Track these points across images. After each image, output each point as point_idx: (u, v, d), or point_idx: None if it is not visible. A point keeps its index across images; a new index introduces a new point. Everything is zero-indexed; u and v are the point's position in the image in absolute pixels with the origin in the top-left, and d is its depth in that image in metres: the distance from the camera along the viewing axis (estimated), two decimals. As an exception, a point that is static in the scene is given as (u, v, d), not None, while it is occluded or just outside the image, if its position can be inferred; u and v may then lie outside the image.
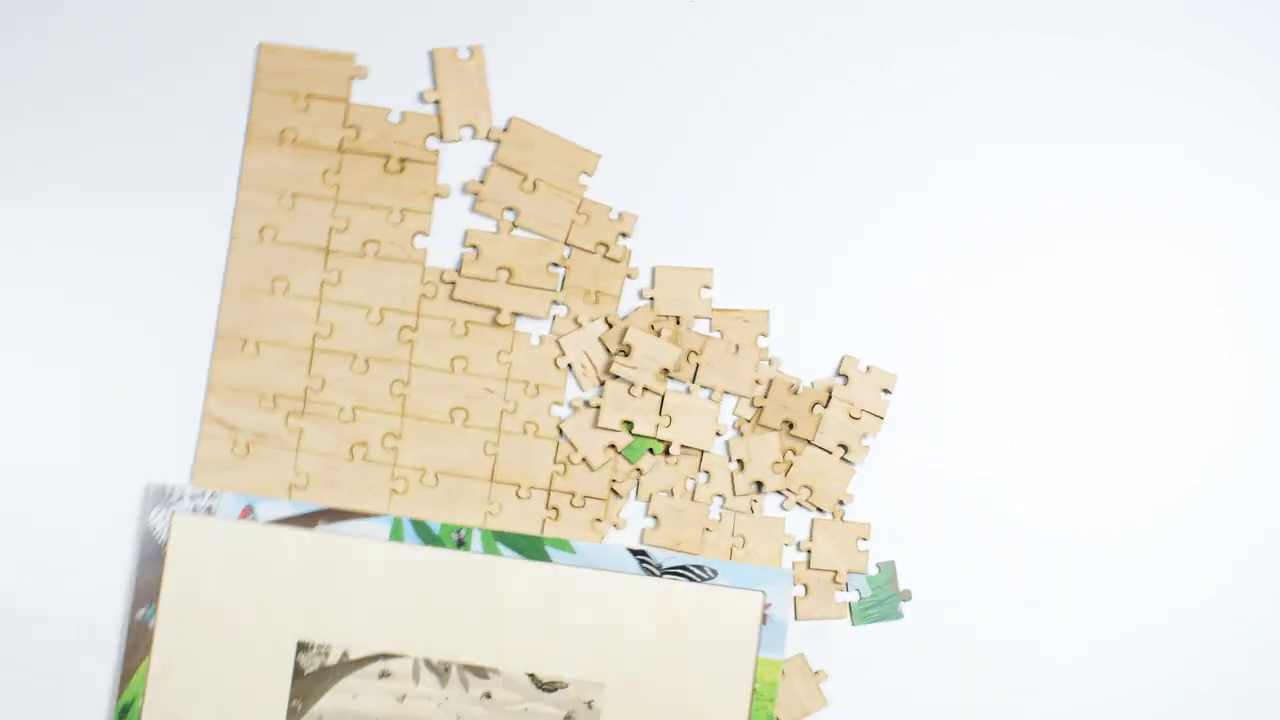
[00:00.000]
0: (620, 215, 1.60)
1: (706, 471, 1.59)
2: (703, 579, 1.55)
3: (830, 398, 1.59)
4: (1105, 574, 1.59)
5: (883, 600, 1.58)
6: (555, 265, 1.60)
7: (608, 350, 1.59)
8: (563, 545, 1.55)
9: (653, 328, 1.59)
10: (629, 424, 1.58)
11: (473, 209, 1.60)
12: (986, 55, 1.61)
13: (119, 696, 1.55)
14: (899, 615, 1.57)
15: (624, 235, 1.60)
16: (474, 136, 1.61)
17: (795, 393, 1.59)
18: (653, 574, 1.55)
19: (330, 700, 1.55)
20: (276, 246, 1.60)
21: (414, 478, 1.59)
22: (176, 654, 1.55)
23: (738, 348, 1.59)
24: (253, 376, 1.59)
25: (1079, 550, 1.59)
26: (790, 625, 1.56)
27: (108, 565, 1.58)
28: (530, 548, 1.55)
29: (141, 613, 1.56)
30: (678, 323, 1.59)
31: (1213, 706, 1.58)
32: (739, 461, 1.58)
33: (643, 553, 1.55)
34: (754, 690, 1.54)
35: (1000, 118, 1.61)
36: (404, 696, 1.55)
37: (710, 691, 1.54)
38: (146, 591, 1.56)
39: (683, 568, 1.55)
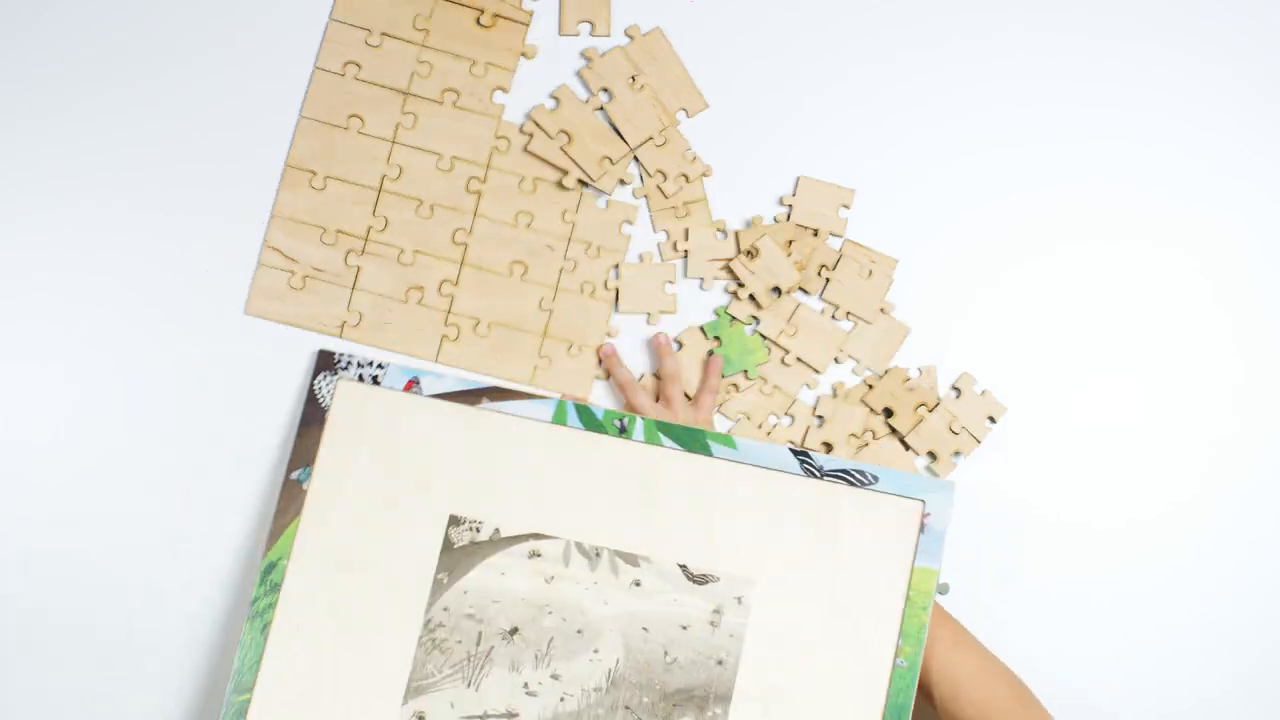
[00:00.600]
0: (694, 159, 1.63)
1: (791, 415, 1.60)
2: (863, 484, 1.53)
3: (938, 405, 1.61)
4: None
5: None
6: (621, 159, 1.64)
7: (739, 248, 1.62)
8: (725, 440, 1.54)
9: (789, 244, 1.61)
10: (755, 318, 1.60)
11: (577, 72, 1.64)
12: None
13: (265, 554, 1.53)
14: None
15: (685, 179, 1.63)
16: (592, 34, 1.65)
17: (909, 387, 1.60)
18: (813, 475, 1.54)
19: (477, 576, 1.53)
20: (357, 83, 1.63)
21: (467, 326, 1.59)
22: (327, 518, 1.54)
23: (871, 273, 1.62)
24: (317, 210, 1.61)
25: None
26: (949, 536, 1.53)
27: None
28: (691, 440, 1.55)
29: (296, 474, 1.55)
30: (815, 234, 1.62)
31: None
32: (820, 417, 1.60)
33: (805, 453, 1.54)
34: (907, 598, 1.51)
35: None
36: (552, 578, 1.53)
37: (863, 597, 1.51)
38: (303, 454, 1.55)
39: (844, 471, 1.54)
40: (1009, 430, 1.62)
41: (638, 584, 1.53)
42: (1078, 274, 1.63)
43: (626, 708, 1.50)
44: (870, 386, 1.60)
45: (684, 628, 1.52)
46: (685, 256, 1.63)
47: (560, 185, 1.62)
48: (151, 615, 1.57)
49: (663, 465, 1.54)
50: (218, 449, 1.59)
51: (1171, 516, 1.61)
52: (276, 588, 1.52)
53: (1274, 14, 1.66)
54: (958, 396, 1.61)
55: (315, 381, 1.57)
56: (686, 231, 1.63)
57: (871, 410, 1.60)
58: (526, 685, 1.51)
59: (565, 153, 1.63)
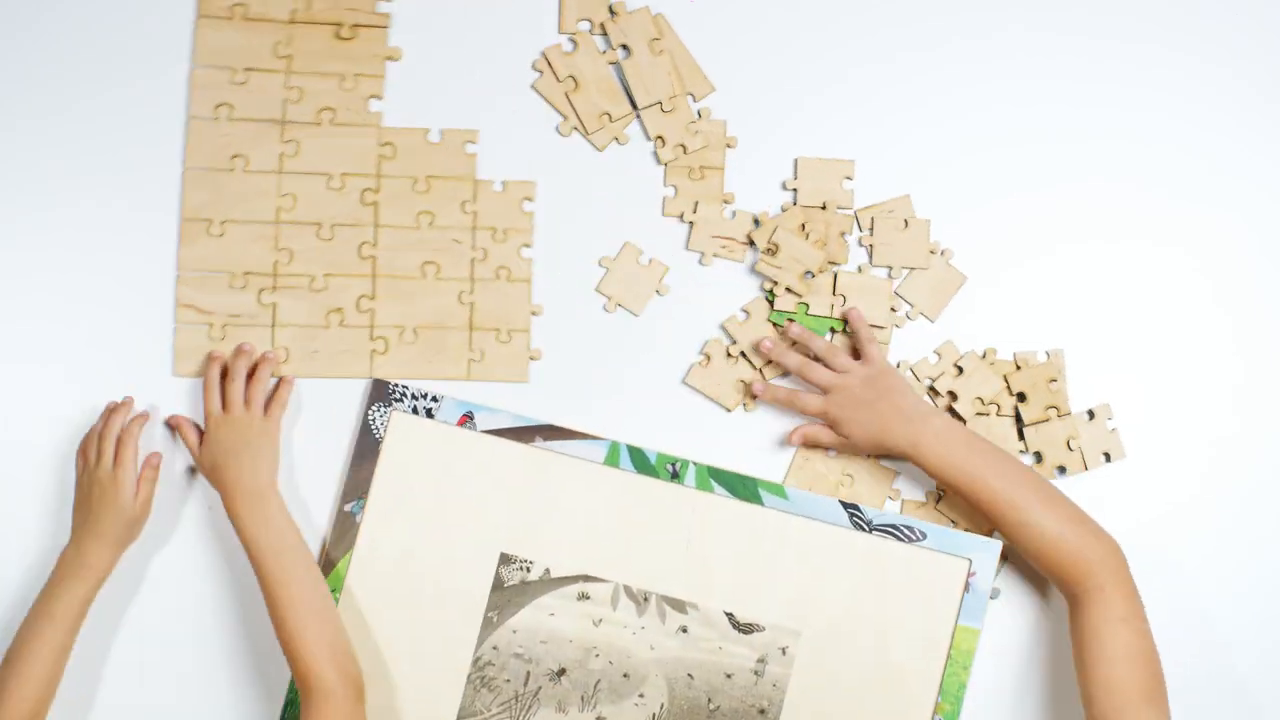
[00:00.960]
0: (696, 132, 1.61)
1: (938, 354, 1.61)
2: (911, 540, 1.55)
3: (1068, 416, 1.61)
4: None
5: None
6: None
7: (750, 242, 1.61)
8: (776, 490, 1.55)
9: (803, 228, 1.61)
10: (804, 306, 1.60)
11: (592, 30, 1.62)
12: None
13: (318, 586, 1.55)
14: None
15: (684, 149, 1.61)
16: (591, 31, 1.63)
17: (1054, 388, 1.59)
18: (862, 529, 1.55)
19: (527, 615, 1.55)
20: (233, 124, 1.60)
21: (393, 336, 1.59)
22: (379, 551, 1.55)
23: (906, 222, 1.61)
24: (221, 257, 1.59)
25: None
26: (988, 596, 1.56)
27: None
28: (743, 488, 1.56)
29: (350, 506, 1.56)
30: (823, 208, 1.61)
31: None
32: (960, 368, 1.60)
33: (855, 507, 1.55)
34: (949, 656, 1.54)
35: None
36: (600, 621, 1.55)
37: (905, 652, 1.54)
38: (357, 486, 1.56)
39: (892, 526, 1.55)
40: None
41: (684, 630, 1.55)
42: (1078, 274, 1.63)
43: (669, 753, 1.54)
44: (1018, 367, 1.61)
45: (728, 676, 1.54)
46: (691, 227, 1.62)
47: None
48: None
49: (714, 512, 1.56)
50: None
51: (1171, 517, 1.62)
52: (329, 621, 1.54)
53: (1274, 14, 1.64)
54: (1089, 420, 1.61)
55: (370, 412, 1.57)
56: (696, 205, 1.62)
57: (1008, 388, 1.62)
58: (572, 727, 1.54)
59: (568, 98, 1.62)
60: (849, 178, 1.62)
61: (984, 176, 1.63)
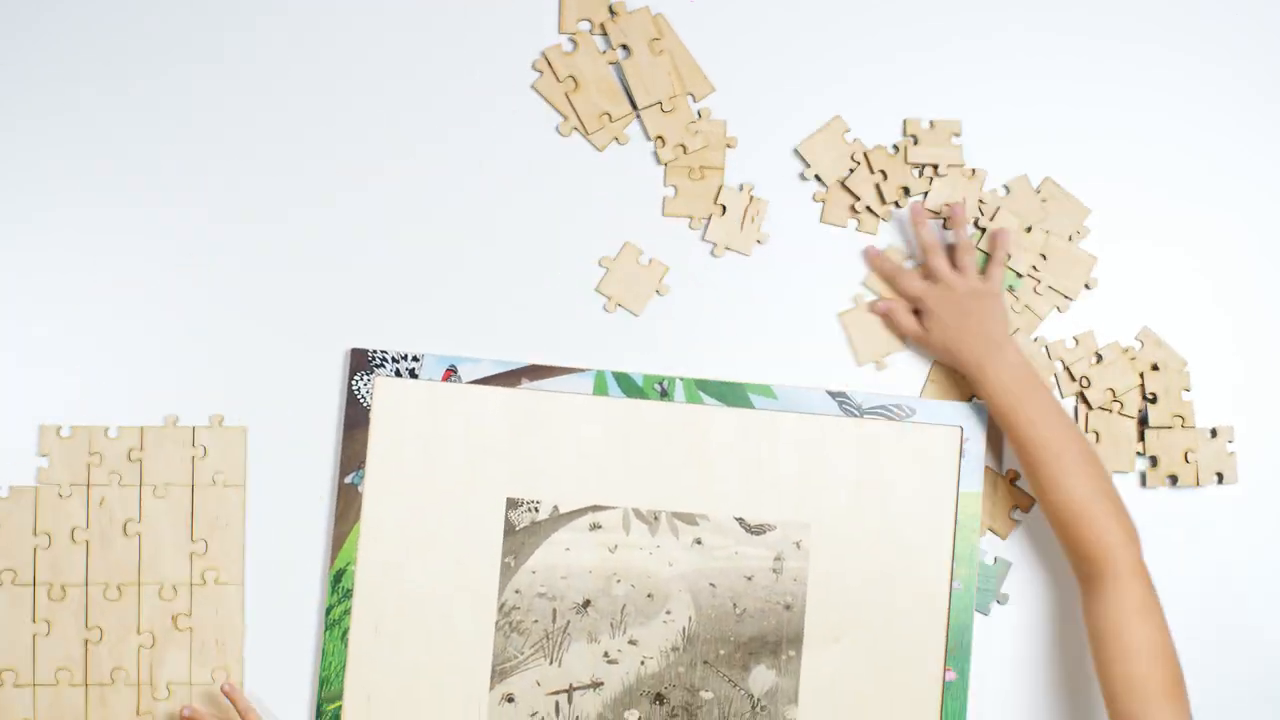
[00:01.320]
0: (696, 132, 1.62)
1: (1075, 339, 1.62)
2: (901, 418, 1.59)
3: (1191, 428, 1.62)
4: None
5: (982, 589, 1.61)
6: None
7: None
8: (764, 391, 1.58)
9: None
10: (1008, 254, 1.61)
11: (592, 30, 1.62)
12: None
13: (332, 563, 1.55)
14: (985, 612, 1.59)
15: (684, 149, 1.62)
16: (592, 31, 1.63)
17: (1186, 398, 1.61)
18: (853, 414, 1.58)
19: (543, 554, 1.56)
20: None
21: None
22: (387, 517, 1.56)
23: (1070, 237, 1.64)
24: None
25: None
26: (983, 458, 1.59)
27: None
28: (732, 394, 1.58)
29: (350, 478, 1.56)
30: (934, 171, 1.63)
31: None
32: (1099, 355, 1.61)
33: (842, 394, 1.58)
34: (956, 522, 1.58)
35: None
36: (615, 547, 1.57)
37: (914, 526, 1.58)
38: (353, 457, 1.56)
39: (882, 408, 1.58)
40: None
41: (699, 542, 1.57)
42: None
43: (705, 662, 1.56)
44: (1155, 368, 1.62)
45: (749, 578, 1.57)
46: (706, 229, 1.63)
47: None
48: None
49: (707, 422, 1.58)
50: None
51: (1170, 516, 1.63)
52: (349, 594, 1.55)
53: (1274, 14, 1.65)
54: (1211, 437, 1.62)
55: (353, 382, 1.57)
56: (712, 216, 1.63)
57: (1142, 388, 1.62)
58: (607, 654, 1.56)
59: (568, 98, 1.62)
60: (956, 135, 1.63)
61: (984, 176, 1.63)
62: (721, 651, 1.57)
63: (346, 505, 1.56)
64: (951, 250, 1.59)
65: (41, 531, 1.56)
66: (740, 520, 1.58)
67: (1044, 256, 1.62)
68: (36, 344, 1.58)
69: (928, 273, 1.59)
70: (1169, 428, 1.61)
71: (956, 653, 1.56)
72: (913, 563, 1.57)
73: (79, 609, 1.55)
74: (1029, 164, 1.63)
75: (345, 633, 1.54)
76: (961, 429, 1.58)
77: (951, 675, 1.56)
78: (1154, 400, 1.61)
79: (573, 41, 1.63)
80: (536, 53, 1.63)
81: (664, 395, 1.58)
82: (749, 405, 1.58)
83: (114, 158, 1.61)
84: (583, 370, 1.58)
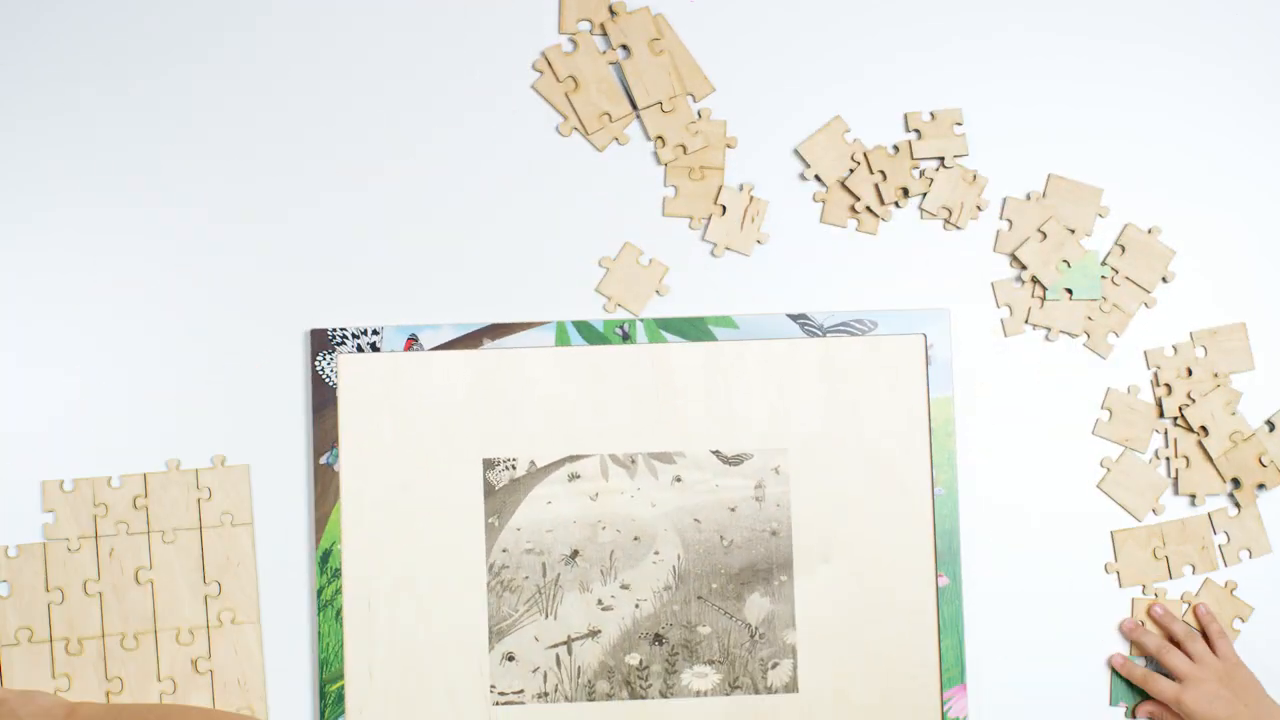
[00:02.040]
0: (697, 132, 1.62)
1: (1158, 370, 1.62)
2: (864, 331, 1.59)
3: (1251, 436, 1.61)
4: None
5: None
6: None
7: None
8: (725, 322, 1.58)
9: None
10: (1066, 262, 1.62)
11: (592, 30, 1.62)
12: None
13: (317, 544, 1.56)
14: None
15: (684, 149, 1.62)
16: (592, 31, 1.63)
17: (1232, 412, 1.61)
18: (816, 334, 1.59)
19: (526, 511, 1.57)
20: None
21: None
22: (366, 494, 1.56)
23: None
24: None
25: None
26: (955, 360, 1.60)
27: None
28: (693, 329, 1.58)
29: (325, 458, 1.56)
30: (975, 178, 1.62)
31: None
32: (1168, 386, 1.61)
33: (803, 315, 1.59)
34: (930, 428, 1.58)
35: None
36: (596, 494, 1.57)
37: (890, 437, 1.58)
38: (325, 437, 1.56)
39: (844, 324, 1.59)
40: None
41: (678, 479, 1.58)
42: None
43: (699, 598, 1.57)
44: (1192, 399, 1.61)
45: (732, 510, 1.58)
46: (706, 229, 1.62)
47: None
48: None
49: (672, 360, 1.58)
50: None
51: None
52: (338, 573, 1.55)
53: (1274, 14, 1.65)
54: (1270, 431, 1.61)
55: (316, 362, 1.57)
56: (712, 216, 1.62)
57: (1187, 424, 1.62)
58: (600, 601, 1.56)
59: (568, 98, 1.62)
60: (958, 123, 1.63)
61: (984, 177, 1.63)
62: (714, 585, 1.57)
63: (325, 486, 1.56)
64: (1178, 642, 1.60)
65: (54, 587, 1.56)
66: (717, 453, 1.58)
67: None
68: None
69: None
70: (1232, 448, 1.61)
71: (946, 557, 1.57)
72: (893, 474, 1.58)
73: (98, 661, 1.55)
74: (1029, 164, 1.63)
75: (339, 612, 1.55)
76: (925, 335, 1.59)
77: (944, 580, 1.57)
78: (1205, 431, 1.61)
79: (573, 41, 1.62)
80: (536, 53, 1.62)
81: (626, 339, 1.59)
82: (711, 338, 1.58)
83: (114, 158, 1.60)
84: (543, 323, 1.58)
